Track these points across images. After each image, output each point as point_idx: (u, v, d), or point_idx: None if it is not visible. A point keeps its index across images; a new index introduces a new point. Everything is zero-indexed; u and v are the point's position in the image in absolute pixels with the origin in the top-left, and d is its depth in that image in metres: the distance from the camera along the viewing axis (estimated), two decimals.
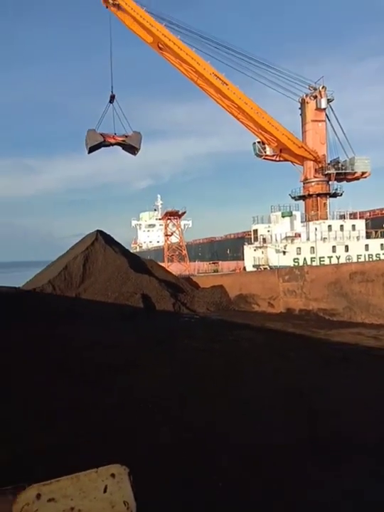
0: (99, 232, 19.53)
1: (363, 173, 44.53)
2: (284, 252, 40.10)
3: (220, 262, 65.78)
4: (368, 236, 42.26)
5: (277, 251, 40.57)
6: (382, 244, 41.47)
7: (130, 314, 14.69)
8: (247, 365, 7.10)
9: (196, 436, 4.16)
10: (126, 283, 16.48)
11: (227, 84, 41.41)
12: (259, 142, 46.30)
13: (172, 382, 6.22)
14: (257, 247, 43.88)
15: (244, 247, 46.56)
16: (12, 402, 5.50)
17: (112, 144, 27.27)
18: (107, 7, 40.97)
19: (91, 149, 27.14)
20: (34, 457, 3.81)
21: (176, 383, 6.16)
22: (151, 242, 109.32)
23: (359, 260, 39.79)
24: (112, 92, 29.16)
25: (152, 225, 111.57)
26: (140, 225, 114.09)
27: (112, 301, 15.53)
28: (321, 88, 44.11)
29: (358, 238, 41.34)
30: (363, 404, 4.89)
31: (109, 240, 19.58)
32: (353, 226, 42.25)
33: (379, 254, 41.09)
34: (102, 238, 19.10)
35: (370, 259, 40.24)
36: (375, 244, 41.45)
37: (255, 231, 45.30)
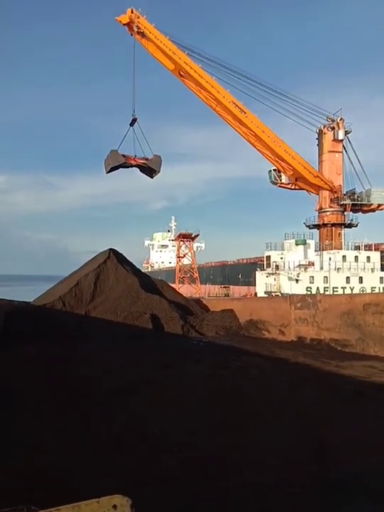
0: (112, 251, 19.66)
1: (380, 205, 44.46)
2: (297, 280, 39.76)
3: (231, 287, 65.46)
4: (383, 268, 41.72)
5: (290, 279, 40.25)
6: None
7: (138, 334, 14.58)
8: (256, 394, 6.91)
9: (203, 465, 4.02)
10: (136, 302, 16.42)
11: (245, 113, 42.25)
12: (275, 170, 46.78)
13: (179, 408, 6.07)
14: (269, 273, 43.61)
15: (257, 272, 46.34)
16: (17, 420, 5.41)
17: (132, 166, 27.81)
18: (131, 35, 42.65)
19: (111, 169, 27.71)
20: (35, 477, 3.72)
21: (183, 409, 6.02)
22: (163, 262, 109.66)
23: (373, 292, 39.20)
24: (133, 115, 30.00)
25: (165, 246, 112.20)
26: (153, 245, 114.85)
27: (121, 321, 15.47)
28: (338, 120, 44.68)
29: (372, 270, 40.88)
30: (374, 443, 4.67)
31: (121, 258, 19.67)
32: (368, 258, 41.85)
33: None
34: (114, 257, 19.20)
35: None
36: None
37: (268, 257, 45.13)
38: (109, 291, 17.58)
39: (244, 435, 4.90)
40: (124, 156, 27.35)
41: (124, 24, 42.49)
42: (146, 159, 27.63)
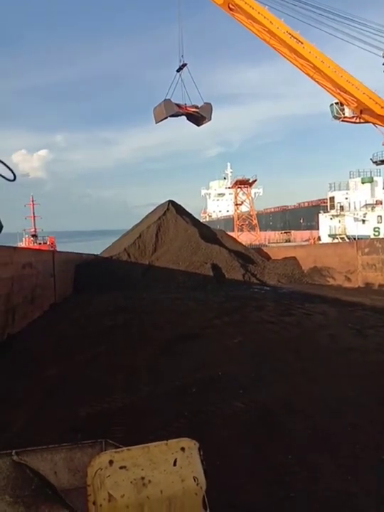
0: (171, 203, 19.83)
1: None
2: (364, 221, 37.59)
3: (292, 232, 63.67)
4: None
5: (356, 219, 38.12)
6: None
7: (200, 283, 14.89)
8: (320, 340, 6.86)
9: (268, 409, 4.13)
10: (196, 252, 16.66)
11: (302, 43, 38.54)
12: (337, 103, 42.98)
13: (242, 353, 6.22)
14: (333, 215, 41.55)
15: (320, 215, 44.34)
16: (94, 364, 5.87)
17: (183, 114, 27.03)
18: None
19: (162, 119, 27.14)
20: (114, 416, 4.05)
21: (247, 354, 6.15)
22: (220, 211, 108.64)
23: None
24: (181, 60, 28.55)
25: (222, 194, 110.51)
26: (209, 194, 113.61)
27: (183, 270, 15.85)
28: None
29: None
30: None
31: (180, 210, 19.82)
32: None
33: None
34: (174, 208, 19.38)
35: None
36: None
37: (332, 198, 42.81)
38: (171, 242, 17.96)
39: (309, 380, 4.93)
40: (177, 104, 26.53)
41: None
42: (197, 107, 26.64)
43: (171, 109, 26.07)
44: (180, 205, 20.35)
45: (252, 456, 3.26)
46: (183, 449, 1.58)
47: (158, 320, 9.03)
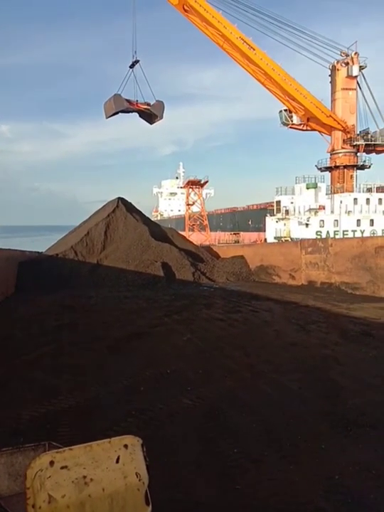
0: (121, 200, 19.50)
1: None
2: (307, 225, 39.36)
3: (241, 233, 65.21)
4: None
5: (300, 223, 39.84)
6: None
7: (150, 282, 14.80)
8: (266, 336, 7.05)
9: (215, 404, 4.18)
10: (146, 251, 16.53)
11: (254, 49, 39.67)
12: (286, 110, 44.65)
13: (191, 350, 6.25)
14: (279, 218, 43.13)
15: (267, 218, 45.84)
16: (38, 365, 5.63)
17: (133, 111, 26.73)
18: None
19: (112, 114, 26.67)
20: (59, 417, 3.91)
21: (195, 351, 6.19)
22: (172, 210, 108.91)
23: None
24: (134, 56, 28.24)
25: (174, 194, 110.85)
26: (161, 192, 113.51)
27: (132, 269, 15.66)
28: (353, 54, 41.77)
29: None
30: (378, 382, 4.77)
31: (130, 207, 19.55)
32: (380, 200, 40.91)
33: None
34: (123, 206, 19.08)
35: None
36: None
37: (278, 202, 44.38)
38: (120, 240, 17.67)
39: (255, 375, 5.05)
40: (127, 100, 26.19)
41: None
42: (148, 104, 26.46)
43: (121, 105, 25.68)
44: (130, 203, 20.08)
45: (199, 451, 3.28)
46: (126, 446, 1.55)
47: (107, 319, 8.85)
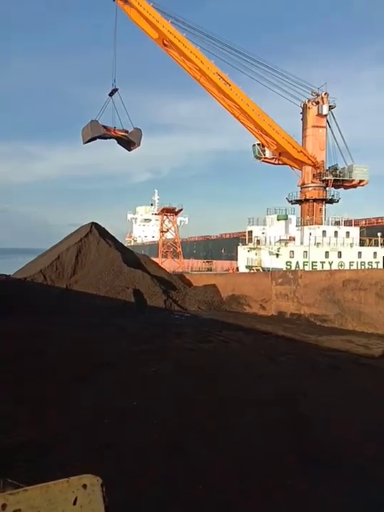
0: (94, 225, 19.37)
1: (361, 181, 44.83)
2: (277, 255, 40.21)
3: (214, 261, 65.84)
4: (362, 244, 42.52)
5: (271, 253, 40.66)
6: (375, 253, 41.72)
7: (121, 309, 14.56)
8: (236, 367, 7.02)
9: (182, 438, 4.08)
10: (118, 277, 16.33)
11: (229, 85, 41.33)
12: (259, 144, 46.34)
13: (159, 381, 6.12)
14: (251, 248, 43.93)
15: (239, 247, 46.61)
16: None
17: (111, 137, 27.14)
18: (114, 0, 40.67)
19: (89, 140, 26.97)
20: (16, 451, 3.72)
21: (163, 382, 6.07)
22: (146, 236, 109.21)
23: (351, 267, 39.98)
24: (114, 85, 28.99)
25: (148, 220, 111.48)
26: (136, 218, 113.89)
27: (103, 295, 15.39)
28: (323, 94, 44.21)
29: (351, 245, 41.59)
30: (348, 416, 4.81)
31: (103, 232, 19.42)
32: (347, 233, 42.47)
33: (371, 262, 41.36)
34: (97, 230, 18.93)
35: (363, 267, 40.48)
36: (368, 252, 41.72)
37: (250, 232, 45.35)
38: (91, 265, 17.41)
39: (224, 408, 4.98)
40: (104, 127, 26.59)
41: None
42: (126, 132, 26.94)
43: (98, 131, 26.04)
44: (103, 228, 19.95)
45: (163, 489, 3.17)
46: (84, 486, 1.49)
47: (73, 347, 8.60)
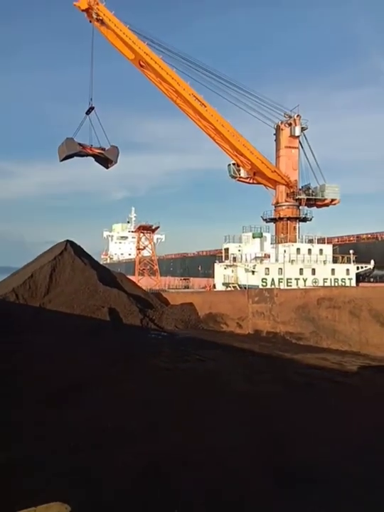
0: (69, 242, 19.15)
1: (333, 200, 46.19)
2: (253, 272, 40.64)
3: (191, 278, 65.85)
4: (335, 261, 43.52)
5: (247, 270, 41.07)
6: (347, 270, 42.74)
7: (96, 328, 14.32)
8: (212, 387, 7.00)
9: (158, 460, 4.02)
10: (93, 296, 16.11)
11: (205, 106, 42.23)
12: (234, 164, 47.28)
13: (135, 402, 6.04)
14: (227, 265, 44.30)
15: (215, 265, 46.92)
16: None
17: (87, 155, 27.18)
18: (90, 21, 41.31)
19: (65, 157, 26.92)
20: None
21: (140, 403, 5.99)
22: (122, 254, 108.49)
23: (325, 284, 40.78)
24: (91, 103, 29.21)
25: (124, 237, 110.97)
26: (112, 236, 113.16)
27: (77, 314, 15.12)
28: (295, 116, 45.73)
29: (324, 262, 42.50)
30: (322, 434, 4.86)
31: (78, 250, 19.20)
32: (321, 250, 43.45)
33: (344, 279, 42.31)
34: (72, 248, 18.70)
35: (336, 283, 41.37)
36: (340, 269, 42.70)
37: (226, 250, 45.79)
38: (66, 284, 17.13)
39: (201, 428, 4.95)
40: (80, 144, 26.64)
41: (82, 10, 40.98)
42: (103, 149, 27.06)
43: (73, 148, 26.07)
44: (79, 246, 19.74)
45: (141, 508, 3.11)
46: None
47: (46, 368, 8.38)
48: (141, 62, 42.68)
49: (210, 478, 3.71)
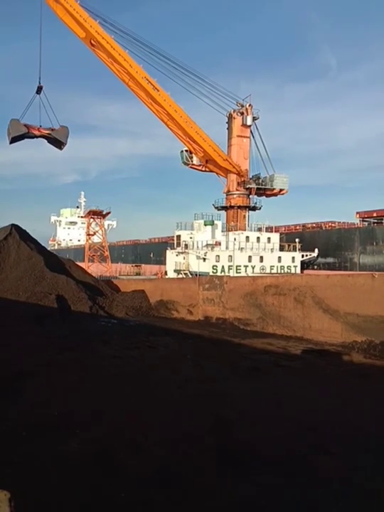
0: (14, 227, 18.34)
1: (281, 190, 47.55)
2: (204, 259, 41.17)
3: (143, 265, 65.44)
4: (282, 249, 45.10)
5: (198, 257, 41.54)
6: (293, 258, 44.49)
7: (42, 316, 13.91)
8: (162, 373, 7.09)
9: (105, 445, 4.05)
10: (40, 282, 15.60)
11: (158, 90, 41.58)
12: (186, 151, 47.16)
13: (82, 390, 5.99)
14: (179, 252, 44.52)
15: (167, 251, 46.97)
16: None
17: (36, 136, 26.05)
18: None
19: (13, 139, 25.66)
20: None
21: (87, 390, 5.95)
22: (71, 240, 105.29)
23: (272, 270, 42.24)
24: (39, 82, 27.89)
25: (73, 223, 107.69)
26: (60, 221, 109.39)
27: (23, 301, 14.59)
28: (247, 106, 46.26)
29: (272, 250, 43.93)
30: (265, 416, 5.11)
31: (24, 235, 18.44)
32: (269, 239, 44.82)
33: (290, 266, 44.05)
34: (17, 233, 17.93)
35: (283, 271, 42.96)
36: (287, 256, 44.37)
37: (178, 237, 45.95)
38: (10, 269, 16.44)
39: (148, 414, 5.03)
40: (26, 125, 25.45)
41: None
42: (52, 130, 26.02)
43: (18, 130, 24.97)
44: (25, 231, 18.96)
45: (84, 499, 3.13)
46: None
47: None
48: (93, 41, 41.07)
49: (156, 459, 3.80)
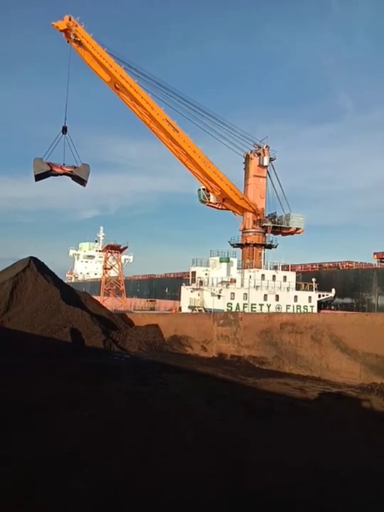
0: (33, 259, 18.70)
1: (297, 229, 47.69)
2: (219, 296, 40.92)
3: (157, 300, 65.35)
4: (298, 288, 44.59)
5: (213, 294, 41.32)
6: (310, 297, 43.83)
7: (56, 349, 13.88)
8: (173, 411, 6.90)
9: (115, 487, 3.90)
10: (55, 315, 15.67)
11: (178, 132, 43.12)
12: (204, 189, 48.18)
13: (93, 427, 5.86)
14: (194, 288, 44.43)
15: (182, 287, 46.93)
16: None
17: (59, 174, 27.16)
18: (68, 42, 41.73)
19: (37, 177, 26.83)
20: None
21: (98, 428, 5.81)
22: (88, 273, 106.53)
23: (288, 310, 41.57)
24: (64, 123, 29.35)
25: (91, 256, 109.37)
26: (78, 255, 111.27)
27: (37, 333, 14.62)
28: (264, 147, 47.42)
29: (288, 289, 43.46)
30: (279, 460, 4.88)
31: (42, 268, 18.74)
32: (285, 277, 44.49)
33: (306, 306, 43.33)
34: (35, 265, 18.24)
35: (299, 310, 42.26)
36: (303, 295, 43.76)
37: (194, 273, 46.02)
38: (27, 302, 16.60)
39: (159, 455, 4.85)
40: (49, 164, 26.64)
41: (61, 30, 41.43)
42: (74, 168, 27.09)
43: (41, 168, 26.11)
44: (42, 263, 19.29)
45: None
46: None
47: (2, 389, 8.00)
48: (117, 85, 43.30)
49: (167, 505, 3.63)
